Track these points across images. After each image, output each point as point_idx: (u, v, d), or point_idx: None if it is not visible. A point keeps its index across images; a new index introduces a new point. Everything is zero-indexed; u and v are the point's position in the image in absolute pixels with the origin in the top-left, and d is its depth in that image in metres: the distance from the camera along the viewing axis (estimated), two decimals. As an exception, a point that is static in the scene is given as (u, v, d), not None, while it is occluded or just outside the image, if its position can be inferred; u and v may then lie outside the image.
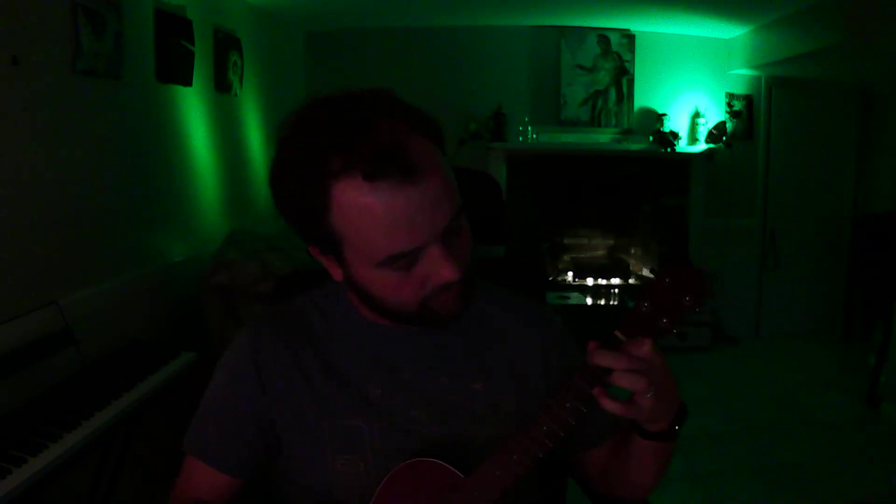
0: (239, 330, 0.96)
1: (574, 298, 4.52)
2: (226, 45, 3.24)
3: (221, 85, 3.23)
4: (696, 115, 4.62)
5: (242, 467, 0.91)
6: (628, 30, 4.57)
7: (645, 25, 4.51)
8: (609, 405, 0.77)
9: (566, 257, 4.91)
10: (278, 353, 0.91)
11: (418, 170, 0.75)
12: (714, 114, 4.63)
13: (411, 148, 0.76)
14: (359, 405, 0.89)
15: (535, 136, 4.55)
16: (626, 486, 0.96)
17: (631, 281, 4.82)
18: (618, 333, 0.77)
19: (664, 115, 4.54)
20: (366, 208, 0.76)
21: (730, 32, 4.46)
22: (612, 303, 4.61)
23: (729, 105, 4.67)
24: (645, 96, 4.64)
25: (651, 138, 4.53)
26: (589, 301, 4.57)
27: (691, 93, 4.64)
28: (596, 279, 4.79)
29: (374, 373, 0.91)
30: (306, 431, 0.89)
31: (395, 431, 0.88)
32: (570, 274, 4.84)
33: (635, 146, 4.55)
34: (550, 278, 4.77)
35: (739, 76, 4.67)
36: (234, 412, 0.91)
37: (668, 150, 4.46)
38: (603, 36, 4.57)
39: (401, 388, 0.90)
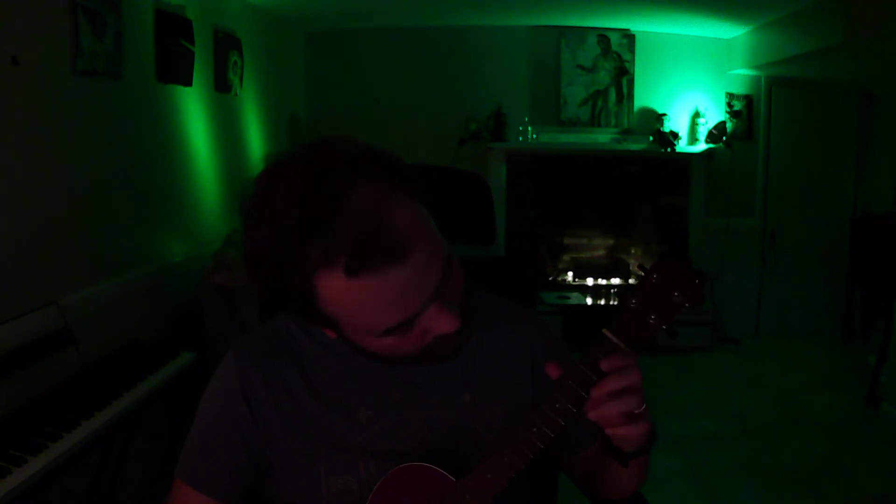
0: (225, 355, 0.94)
1: (574, 298, 4.52)
2: (226, 45, 3.24)
3: (221, 85, 3.23)
4: (696, 115, 4.62)
5: (232, 493, 0.90)
6: (628, 30, 4.57)
7: (645, 25, 4.52)
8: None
9: (566, 257, 4.91)
10: (267, 377, 0.90)
11: (405, 248, 0.71)
12: (714, 114, 4.63)
13: (395, 222, 0.71)
14: (351, 427, 0.88)
15: (535, 136, 4.54)
16: (610, 492, 0.98)
17: (631, 281, 4.82)
18: (607, 332, 0.77)
19: (664, 115, 4.54)
20: (354, 297, 0.73)
21: (730, 32, 4.46)
22: (612, 303, 4.61)
23: (729, 105, 4.67)
24: (645, 96, 4.64)
25: (651, 138, 4.52)
26: (589, 301, 4.57)
27: (691, 93, 4.64)
28: (596, 279, 4.80)
29: (365, 394, 0.90)
30: (298, 455, 0.88)
31: (389, 451, 0.88)
32: (570, 274, 4.84)
33: (635, 146, 4.54)
34: (550, 278, 4.78)
35: (739, 76, 4.67)
36: (224, 439, 0.90)
37: (668, 150, 4.46)
38: (603, 36, 4.57)
39: (393, 408, 0.90)
